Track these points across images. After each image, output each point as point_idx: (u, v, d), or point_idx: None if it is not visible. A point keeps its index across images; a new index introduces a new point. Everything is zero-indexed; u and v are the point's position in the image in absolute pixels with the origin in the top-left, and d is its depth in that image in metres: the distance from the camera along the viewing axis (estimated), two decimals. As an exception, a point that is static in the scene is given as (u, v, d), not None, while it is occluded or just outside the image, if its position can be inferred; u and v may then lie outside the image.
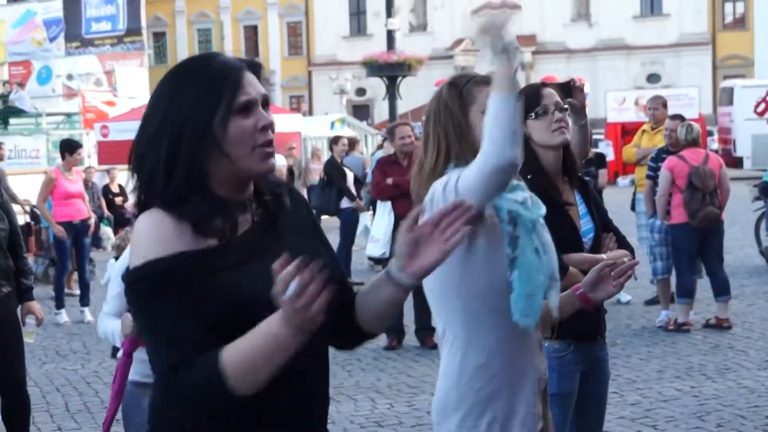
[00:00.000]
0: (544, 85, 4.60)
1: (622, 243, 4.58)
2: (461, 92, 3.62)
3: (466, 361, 3.49)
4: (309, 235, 2.87)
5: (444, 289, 3.52)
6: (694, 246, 11.18)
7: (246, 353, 2.50)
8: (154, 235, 2.62)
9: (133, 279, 2.62)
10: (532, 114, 4.41)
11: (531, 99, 4.43)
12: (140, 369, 5.43)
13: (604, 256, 4.44)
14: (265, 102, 2.73)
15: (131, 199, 2.88)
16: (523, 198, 3.50)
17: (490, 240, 3.43)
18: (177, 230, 2.61)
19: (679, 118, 11.85)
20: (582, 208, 4.55)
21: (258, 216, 2.78)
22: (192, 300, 2.57)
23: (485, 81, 3.60)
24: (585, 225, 4.53)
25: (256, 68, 2.77)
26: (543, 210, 3.58)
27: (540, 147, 4.43)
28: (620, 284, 3.66)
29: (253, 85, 2.71)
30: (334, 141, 17.56)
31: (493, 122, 3.25)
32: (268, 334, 2.48)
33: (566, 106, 4.56)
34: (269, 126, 2.70)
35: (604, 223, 4.61)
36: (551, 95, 4.46)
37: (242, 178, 2.72)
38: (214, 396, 2.52)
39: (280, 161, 17.56)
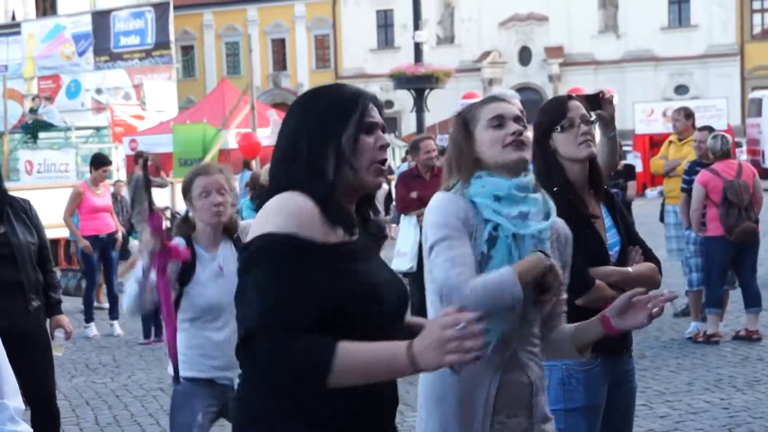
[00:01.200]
0: (570, 97, 4.61)
1: (648, 256, 4.56)
2: (465, 118, 3.75)
3: None
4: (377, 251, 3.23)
5: (435, 297, 3.66)
6: (727, 259, 11.15)
7: (363, 362, 2.74)
8: (294, 212, 2.89)
9: (265, 242, 2.85)
10: (558, 127, 4.42)
11: (557, 112, 4.46)
12: (197, 363, 5.36)
13: (630, 269, 4.44)
14: (383, 130, 3.11)
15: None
16: (520, 212, 3.59)
17: None
18: (315, 217, 2.90)
19: (708, 129, 11.80)
20: (608, 221, 4.55)
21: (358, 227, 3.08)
22: (316, 281, 2.82)
23: (488, 99, 3.80)
24: (611, 238, 4.52)
25: (379, 104, 3.13)
26: (540, 226, 3.61)
27: (566, 160, 4.44)
28: (652, 317, 3.54)
29: (376, 112, 3.10)
30: None
31: (495, 294, 3.40)
32: (391, 357, 2.73)
33: (593, 118, 4.57)
34: (386, 146, 3.08)
35: (630, 236, 4.59)
36: (577, 108, 4.47)
37: (357, 191, 3.06)
38: (311, 377, 2.74)
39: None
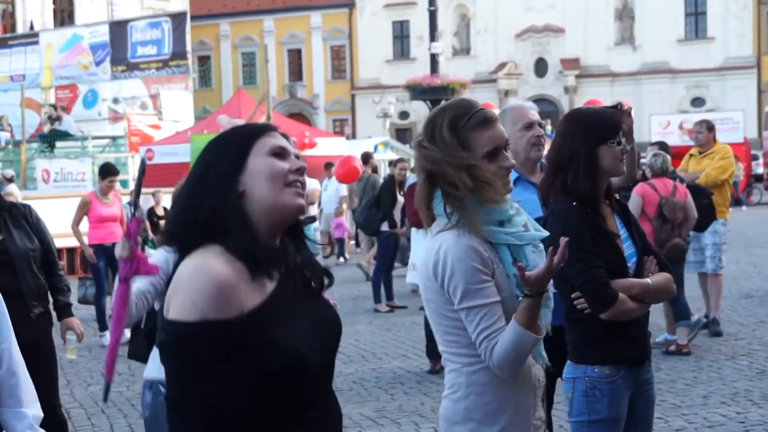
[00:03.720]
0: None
1: (663, 266, 4.57)
2: (459, 135, 3.66)
3: (473, 378, 3.69)
4: (307, 284, 2.98)
5: (452, 328, 3.70)
6: (681, 269, 11.18)
7: None
8: (207, 290, 2.64)
9: (173, 333, 2.66)
10: (614, 142, 4.42)
11: (614, 125, 4.46)
12: None
13: (649, 281, 4.45)
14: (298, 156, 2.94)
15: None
16: (524, 225, 3.68)
17: (498, 284, 3.61)
18: (233, 287, 2.66)
19: (659, 144, 11.92)
20: (623, 233, 4.55)
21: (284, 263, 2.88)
22: (234, 364, 2.63)
23: (482, 122, 3.67)
24: (627, 249, 4.52)
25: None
26: (540, 234, 3.71)
27: (603, 173, 4.44)
28: None
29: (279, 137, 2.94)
30: (393, 163, 17.52)
31: (518, 352, 3.54)
32: None
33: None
34: (301, 170, 2.90)
35: (643, 246, 4.60)
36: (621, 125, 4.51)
37: (278, 223, 2.85)
38: None
39: (312, 185, 17.47)
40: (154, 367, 5.49)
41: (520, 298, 3.51)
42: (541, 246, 3.69)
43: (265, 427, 2.70)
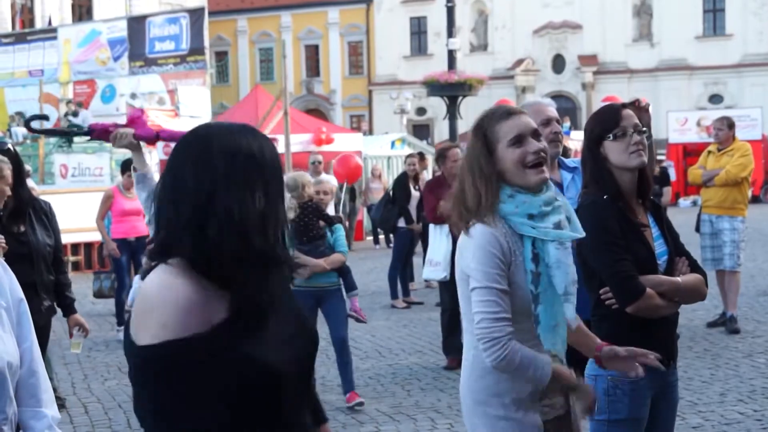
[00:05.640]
0: (623, 106, 4.61)
1: (695, 267, 4.55)
2: (485, 134, 3.86)
3: (479, 360, 3.84)
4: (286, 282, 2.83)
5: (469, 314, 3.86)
6: None
7: None
8: (173, 311, 2.51)
9: (143, 358, 2.55)
10: (610, 135, 4.42)
11: (610, 120, 4.47)
12: None
13: (679, 279, 4.43)
14: None
15: None
16: (554, 224, 3.77)
17: (512, 276, 3.74)
18: (197, 305, 2.52)
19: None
20: (655, 231, 4.54)
21: None
22: (210, 382, 2.51)
23: (505, 114, 3.88)
24: (659, 248, 4.51)
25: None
26: (576, 234, 3.82)
27: (616, 168, 4.44)
28: (639, 374, 4.08)
29: None
30: (405, 160, 17.57)
31: (527, 370, 3.71)
32: None
33: (644, 128, 4.56)
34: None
35: (676, 247, 4.58)
36: (630, 117, 4.48)
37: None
38: None
39: (332, 181, 17.52)
40: None
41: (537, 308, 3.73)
42: (568, 245, 3.78)
43: None
